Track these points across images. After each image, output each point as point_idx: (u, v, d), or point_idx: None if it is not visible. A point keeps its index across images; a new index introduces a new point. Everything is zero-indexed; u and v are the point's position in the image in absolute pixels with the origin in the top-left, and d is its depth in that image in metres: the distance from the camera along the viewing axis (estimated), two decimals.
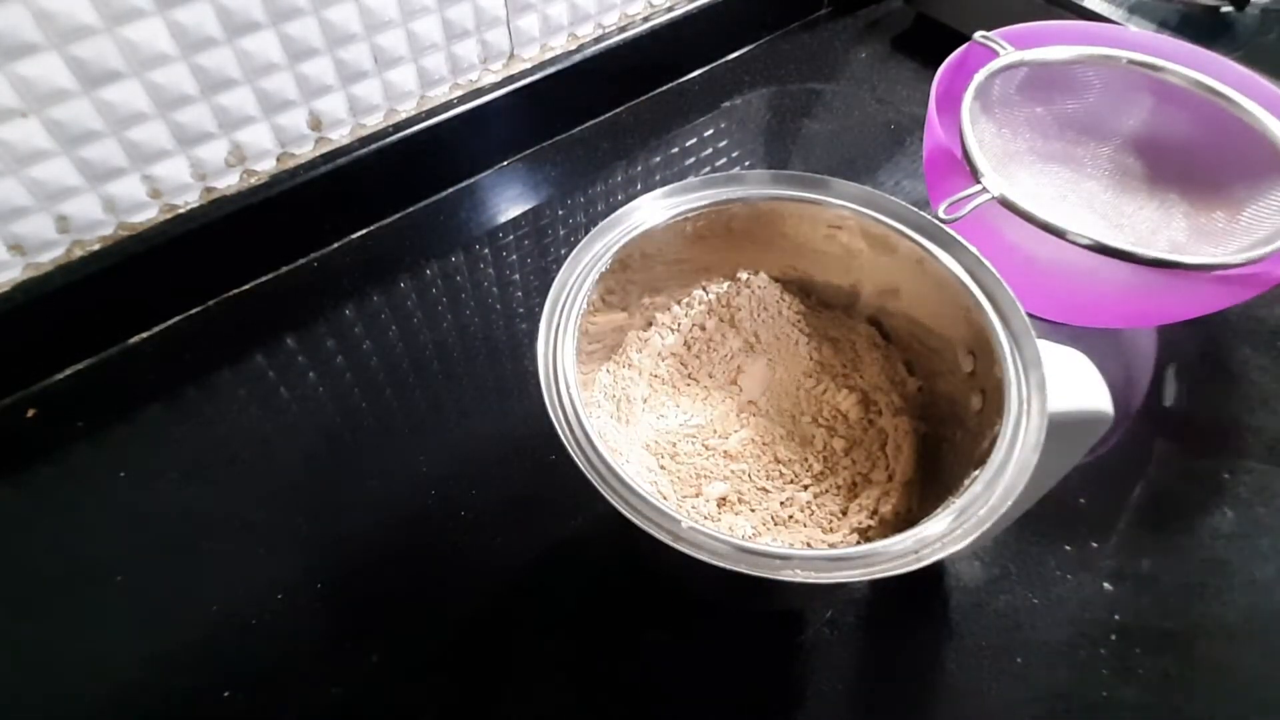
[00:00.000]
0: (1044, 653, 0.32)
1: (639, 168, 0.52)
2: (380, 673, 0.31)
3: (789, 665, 0.31)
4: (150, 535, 0.35)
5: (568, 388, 0.25)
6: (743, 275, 0.34)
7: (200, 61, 0.37)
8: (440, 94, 0.47)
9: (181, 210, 0.41)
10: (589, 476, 0.23)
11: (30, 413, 0.39)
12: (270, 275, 0.45)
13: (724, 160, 0.52)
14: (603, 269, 0.28)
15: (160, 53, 0.35)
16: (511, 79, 0.49)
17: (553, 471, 0.36)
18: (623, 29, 0.53)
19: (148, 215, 0.40)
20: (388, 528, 0.35)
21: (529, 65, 0.50)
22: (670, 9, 0.54)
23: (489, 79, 0.49)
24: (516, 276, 0.45)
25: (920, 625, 0.33)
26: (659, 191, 0.30)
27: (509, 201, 0.49)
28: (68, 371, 0.41)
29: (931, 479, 0.29)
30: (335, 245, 0.47)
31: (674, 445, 0.31)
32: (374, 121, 0.45)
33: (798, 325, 0.34)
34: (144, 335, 0.42)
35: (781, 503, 0.29)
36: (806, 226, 0.32)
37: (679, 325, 0.34)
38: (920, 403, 0.31)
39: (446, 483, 0.36)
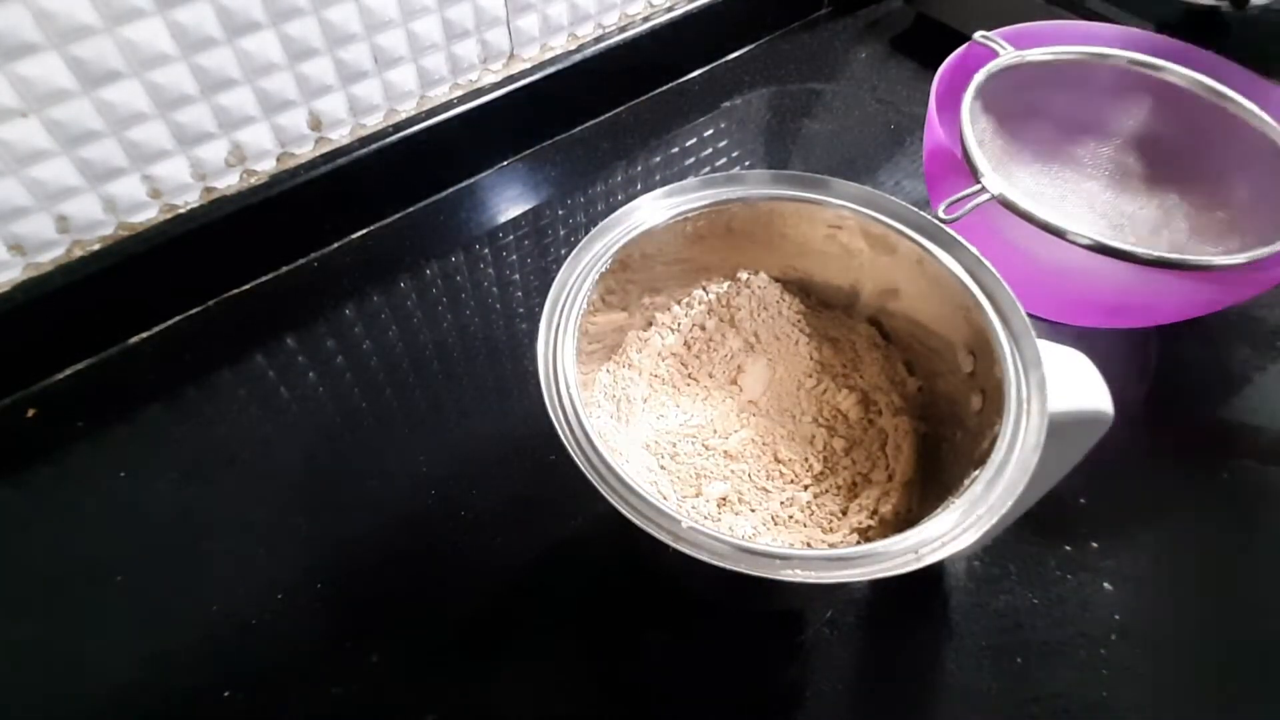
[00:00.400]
0: (1044, 653, 0.32)
1: (639, 168, 0.51)
2: (380, 673, 0.31)
3: (789, 665, 0.31)
4: (150, 535, 0.35)
5: (568, 388, 0.25)
6: (743, 275, 0.34)
7: (200, 61, 0.37)
8: (440, 94, 0.47)
9: (181, 210, 0.41)
10: (589, 476, 0.23)
11: (30, 413, 0.39)
12: (270, 275, 0.45)
13: (724, 160, 0.52)
14: (603, 269, 0.28)
15: (160, 53, 0.35)
16: (511, 79, 0.49)
17: (553, 471, 0.36)
18: (623, 29, 0.53)
19: (148, 215, 0.40)
20: (388, 528, 0.35)
21: (529, 65, 0.50)
22: (670, 9, 0.54)
23: (489, 79, 0.49)
24: (516, 276, 0.45)
25: (920, 625, 0.33)
26: (659, 191, 0.30)
27: (509, 201, 0.49)
28: (68, 371, 0.41)
29: (931, 479, 0.29)
30: (335, 245, 0.47)
31: (674, 445, 0.31)
32: (374, 121, 0.45)
33: (798, 325, 0.34)
34: (144, 335, 0.42)
35: (781, 503, 0.29)
36: (806, 226, 0.32)
37: (679, 325, 0.34)
38: (920, 403, 0.31)
39: (446, 483, 0.36)
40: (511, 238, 0.47)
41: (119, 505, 0.36)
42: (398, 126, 0.46)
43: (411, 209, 0.49)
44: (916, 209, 0.29)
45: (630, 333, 0.33)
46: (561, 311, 0.27)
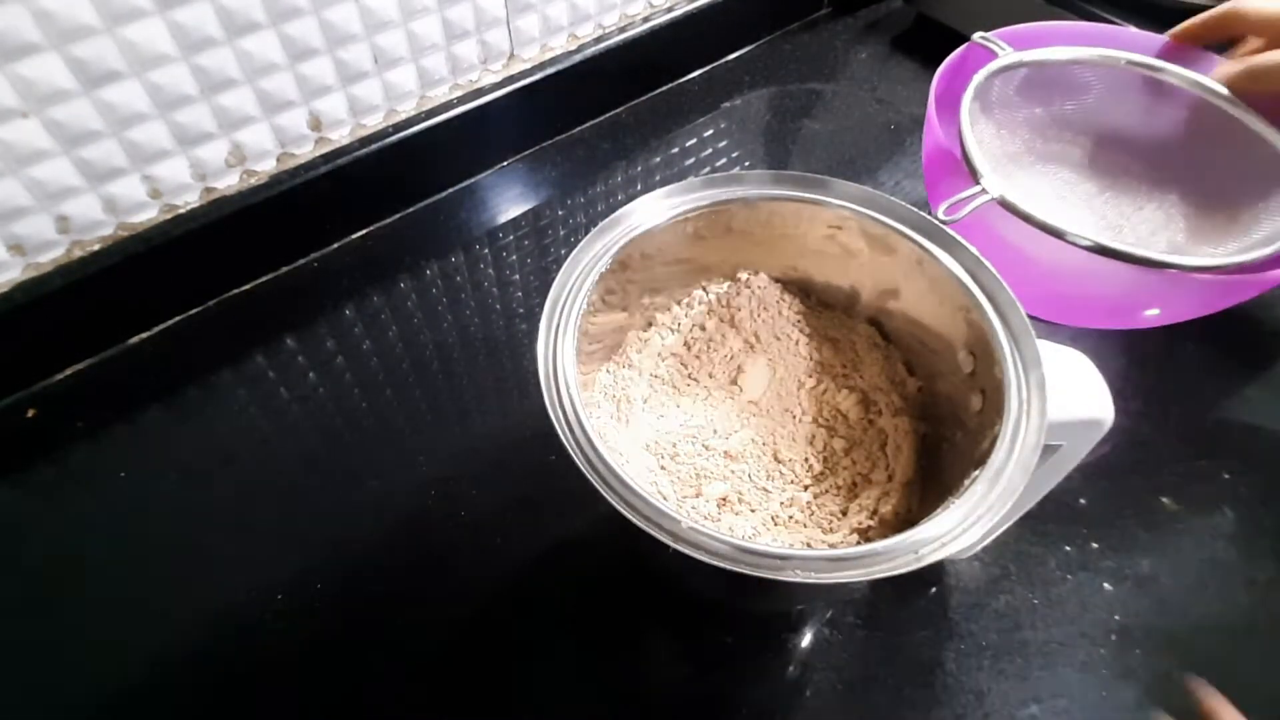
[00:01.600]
0: (1044, 653, 0.32)
1: (639, 168, 0.52)
2: (380, 673, 0.31)
3: (789, 665, 0.31)
4: (150, 535, 0.35)
5: (568, 388, 0.25)
6: (743, 275, 0.34)
7: (200, 61, 0.37)
8: (440, 94, 0.47)
9: (181, 210, 0.41)
10: (589, 476, 0.23)
11: (30, 413, 0.39)
12: (270, 275, 0.45)
13: (724, 160, 0.52)
14: (603, 269, 0.28)
15: (160, 53, 0.35)
16: (511, 79, 0.49)
17: (553, 471, 0.36)
18: (623, 29, 0.53)
19: (148, 215, 0.40)
20: (388, 528, 0.35)
21: (529, 65, 0.50)
22: (670, 9, 0.54)
23: (489, 79, 0.49)
24: (516, 276, 0.45)
25: (920, 625, 0.33)
26: (659, 192, 0.30)
27: (509, 201, 0.49)
28: (68, 371, 0.41)
29: (931, 479, 0.29)
30: (335, 245, 0.47)
31: (674, 445, 0.31)
32: (374, 121, 0.45)
33: (798, 325, 0.34)
34: (144, 335, 0.42)
35: (782, 503, 0.29)
36: (806, 227, 0.32)
37: (679, 325, 0.34)
38: (920, 403, 0.31)
39: (446, 483, 0.36)
40: (511, 238, 0.47)
41: (119, 505, 0.36)
42: (398, 126, 0.46)
43: (411, 209, 0.49)
44: (916, 209, 0.29)
45: (630, 333, 0.33)
46: (561, 311, 0.27)
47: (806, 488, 0.30)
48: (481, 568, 0.34)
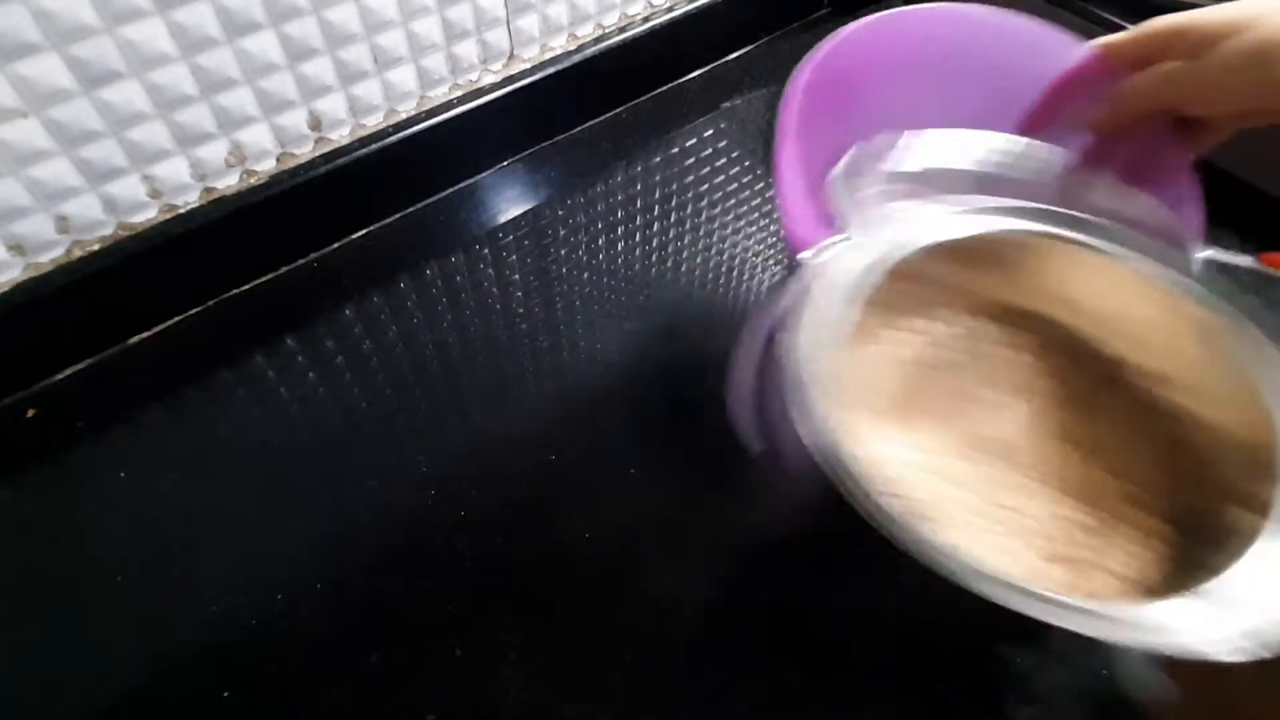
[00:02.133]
0: (1044, 653, 0.32)
1: (639, 168, 0.51)
2: (380, 673, 0.31)
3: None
4: (150, 535, 0.35)
5: (825, 389, 0.23)
6: (1012, 315, 0.31)
7: (200, 61, 0.37)
8: (440, 94, 0.47)
9: (181, 210, 0.41)
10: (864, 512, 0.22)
11: (30, 413, 0.39)
12: (270, 275, 0.45)
13: (724, 160, 0.52)
14: (870, 282, 0.26)
15: (160, 53, 0.35)
16: (511, 79, 0.49)
17: (553, 471, 0.36)
18: (623, 29, 0.53)
19: (148, 215, 0.40)
20: (388, 528, 0.35)
21: (529, 65, 0.50)
22: (670, 9, 0.54)
23: (489, 79, 0.49)
24: (516, 276, 0.45)
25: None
26: (938, 207, 0.28)
27: (509, 201, 0.49)
28: (68, 371, 0.41)
29: (1171, 589, 0.25)
30: (335, 245, 0.47)
31: (902, 471, 0.29)
32: (374, 121, 0.45)
33: (1053, 382, 0.31)
34: (144, 335, 0.42)
35: (998, 550, 0.27)
36: (1085, 275, 0.28)
37: (929, 347, 0.31)
38: (1180, 503, 0.28)
39: (446, 483, 0.36)
40: (511, 238, 0.47)
41: (119, 505, 0.36)
42: (398, 126, 0.46)
43: (411, 209, 0.49)
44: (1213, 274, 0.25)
45: (872, 348, 0.31)
46: (816, 327, 0.25)
47: (1032, 549, 0.27)
48: (481, 567, 0.34)
